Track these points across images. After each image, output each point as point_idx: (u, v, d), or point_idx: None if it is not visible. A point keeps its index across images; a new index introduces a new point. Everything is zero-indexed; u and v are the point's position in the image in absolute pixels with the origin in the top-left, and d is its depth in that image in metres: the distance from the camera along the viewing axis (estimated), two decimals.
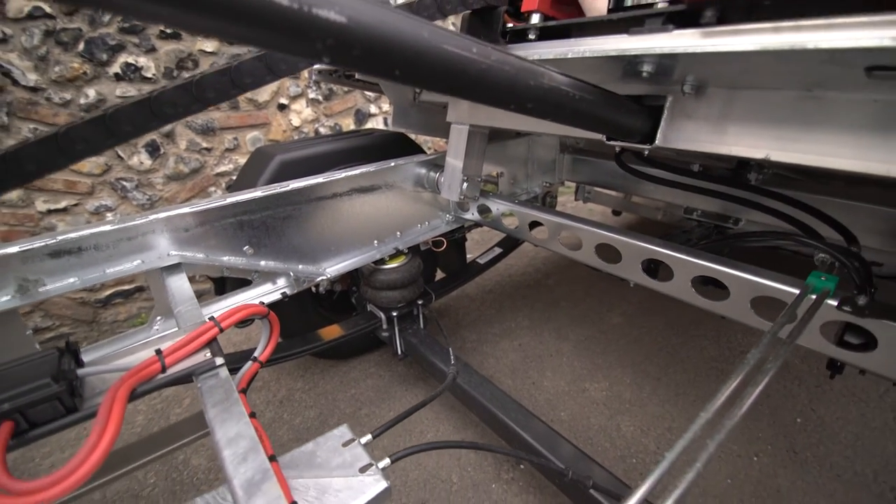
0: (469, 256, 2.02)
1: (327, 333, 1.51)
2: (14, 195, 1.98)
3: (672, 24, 0.64)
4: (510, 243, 1.96)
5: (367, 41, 0.43)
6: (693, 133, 0.83)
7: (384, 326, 1.57)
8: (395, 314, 1.53)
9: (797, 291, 0.80)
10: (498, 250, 1.94)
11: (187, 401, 1.75)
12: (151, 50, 2.12)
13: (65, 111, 1.99)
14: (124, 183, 2.19)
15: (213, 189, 2.49)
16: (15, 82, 1.88)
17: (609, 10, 0.73)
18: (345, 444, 0.69)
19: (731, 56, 0.62)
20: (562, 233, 1.28)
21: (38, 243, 0.92)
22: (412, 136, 1.82)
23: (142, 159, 2.22)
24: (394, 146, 1.66)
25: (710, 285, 0.97)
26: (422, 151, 1.67)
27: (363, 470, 0.64)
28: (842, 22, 0.53)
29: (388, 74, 0.48)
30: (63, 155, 0.70)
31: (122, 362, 0.72)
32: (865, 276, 0.84)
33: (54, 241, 0.94)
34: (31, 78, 1.89)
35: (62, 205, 2.09)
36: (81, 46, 1.95)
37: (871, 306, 0.76)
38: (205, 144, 2.38)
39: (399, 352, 1.56)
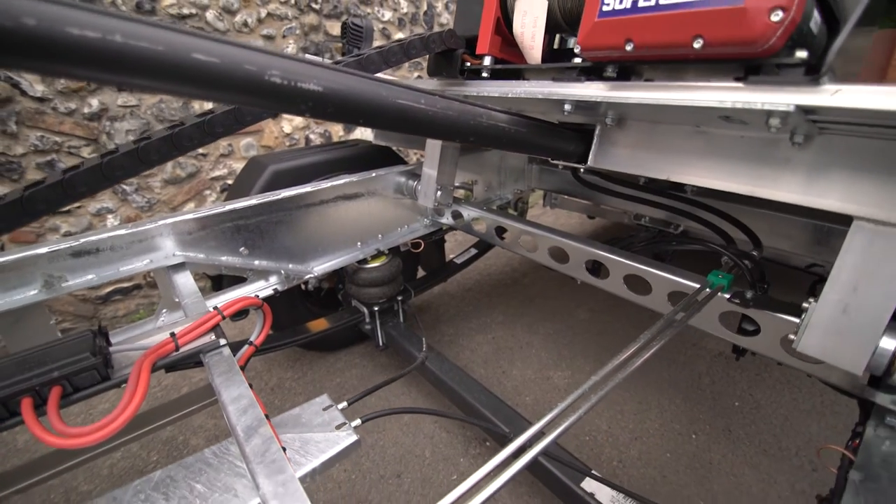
0: (450, 256, 2.19)
1: (315, 326, 1.67)
2: None
3: (584, 77, 0.81)
4: (484, 245, 2.13)
5: (338, 102, 0.60)
6: (616, 157, 1.00)
7: (367, 320, 1.73)
8: (376, 309, 1.70)
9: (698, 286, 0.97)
10: (474, 251, 2.11)
11: (185, 388, 1.90)
12: None
13: (70, 120, 2.13)
14: (124, 187, 2.33)
15: (208, 192, 2.63)
16: (23, 93, 2.01)
17: (542, 61, 0.90)
18: (325, 409, 0.85)
19: (624, 105, 0.79)
20: (521, 237, 1.45)
21: (63, 245, 1.07)
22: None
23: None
24: (377, 157, 1.82)
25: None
26: (403, 162, 1.84)
27: (339, 427, 0.80)
28: (700, 85, 0.71)
29: (355, 123, 0.65)
30: (106, 179, 0.85)
31: (142, 342, 0.88)
32: (758, 274, 1.02)
33: (77, 243, 1.09)
34: (38, 89, 2.03)
35: (65, 207, 2.22)
36: None
37: (756, 299, 0.94)
38: (201, 150, 2.52)
39: (380, 343, 1.72)
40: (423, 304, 2.44)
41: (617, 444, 1.55)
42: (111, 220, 2.33)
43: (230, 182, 2.71)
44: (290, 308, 1.80)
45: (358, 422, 0.84)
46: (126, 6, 2.14)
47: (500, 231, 1.59)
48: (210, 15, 2.37)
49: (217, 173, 2.63)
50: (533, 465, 1.19)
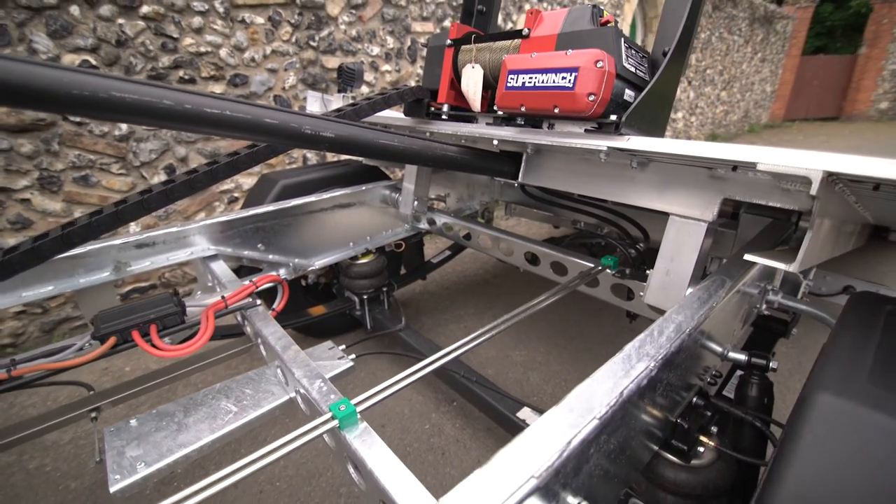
0: (429, 257, 2.58)
1: (315, 311, 2.04)
2: (58, 206, 2.46)
3: (504, 123, 1.22)
4: (456, 247, 2.52)
5: (344, 143, 1.00)
6: (538, 175, 1.41)
7: (357, 307, 2.11)
8: (365, 297, 2.07)
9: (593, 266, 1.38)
10: (448, 252, 2.51)
11: None
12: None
13: (103, 141, 2.50)
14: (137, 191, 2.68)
15: (217, 203, 3.00)
16: (65, 118, 2.38)
17: (481, 110, 1.32)
18: (329, 349, 1.22)
19: (527, 144, 1.20)
20: (480, 237, 1.85)
21: (131, 238, 1.44)
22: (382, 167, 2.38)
23: (161, 179, 2.72)
24: (367, 174, 2.22)
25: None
26: (387, 178, 2.24)
27: (339, 358, 1.18)
28: (566, 132, 1.13)
29: (354, 155, 1.05)
30: (166, 199, 1.22)
31: (204, 301, 1.23)
32: (639, 258, 1.43)
33: (141, 237, 1.46)
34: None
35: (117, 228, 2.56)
36: None
37: (632, 274, 1.35)
38: None
39: (368, 326, 2.09)
40: (407, 300, 2.82)
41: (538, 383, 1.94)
42: (133, 227, 2.67)
43: (236, 195, 3.09)
44: (293, 303, 2.16)
45: (353, 356, 1.22)
46: (153, 46, 2.53)
47: (467, 235, 1.99)
48: (223, 52, 2.77)
49: (225, 187, 3.00)
50: (478, 399, 1.55)
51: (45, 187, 2.39)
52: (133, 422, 0.98)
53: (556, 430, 0.59)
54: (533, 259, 1.68)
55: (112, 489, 0.84)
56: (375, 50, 3.51)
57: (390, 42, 3.58)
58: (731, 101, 10.83)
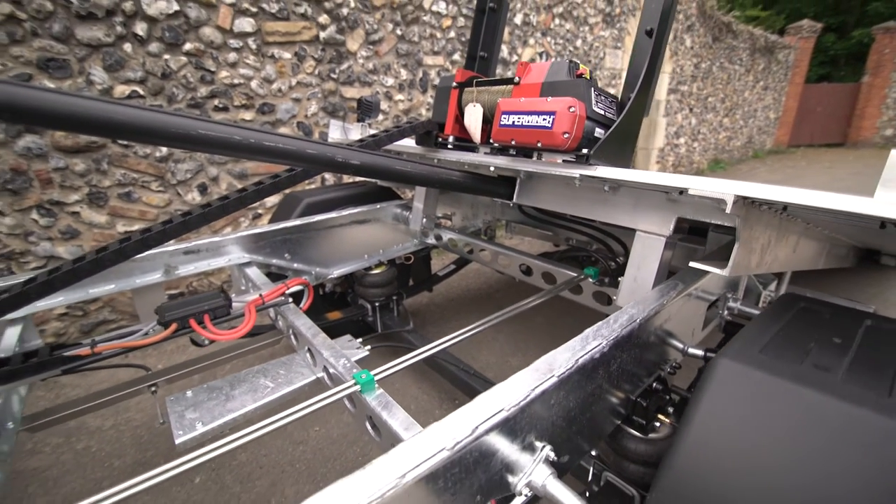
0: (435, 270, 2.80)
1: (332, 316, 2.26)
2: (103, 219, 2.73)
3: (499, 153, 1.46)
4: (461, 261, 2.75)
5: (367, 169, 1.24)
6: (529, 196, 1.63)
7: (370, 314, 2.32)
8: (377, 304, 2.29)
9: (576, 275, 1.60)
10: (453, 266, 2.73)
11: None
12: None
13: (145, 161, 2.78)
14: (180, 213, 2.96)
15: (242, 219, 3.27)
16: (114, 140, 2.67)
17: (481, 141, 1.56)
18: (349, 342, 1.44)
19: (519, 170, 1.43)
20: (481, 251, 2.07)
21: (180, 246, 1.68)
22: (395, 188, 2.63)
23: (194, 196, 3.00)
24: (381, 194, 2.47)
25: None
26: (399, 198, 2.49)
27: (357, 348, 1.39)
28: (548, 161, 1.36)
29: (376, 178, 1.29)
30: (210, 218, 1.46)
31: (246, 298, 1.46)
32: (618, 269, 1.64)
33: (189, 245, 1.70)
34: None
35: (135, 228, 2.84)
36: None
37: (610, 283, 1.56)
38: (238, 185, 3.18)
39: (379, 330, 2.30)
40: (414, 311, 3.03)
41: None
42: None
43: (260, 211, 3.36)
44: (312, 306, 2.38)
45: (368, 347, 1.43)
46: (193, 78, 2.84)
47: (470, 249, 2.22)
48: (254, 83, 3.08)
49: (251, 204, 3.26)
50: (459, 381, 1.74)
51: (93, 202, 2.67)
52: (189, 393, 1.21)
53: (523, 382, 0.80)
54: (527, 271, 1.90)
55: (177, 441, 1.06)
56: (390, 81, 3.82)
57: (403, 74, 3.90)
58: (733, 128, 11.09)
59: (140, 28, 2.59)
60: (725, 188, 0.94)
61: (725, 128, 10.66)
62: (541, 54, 5.18)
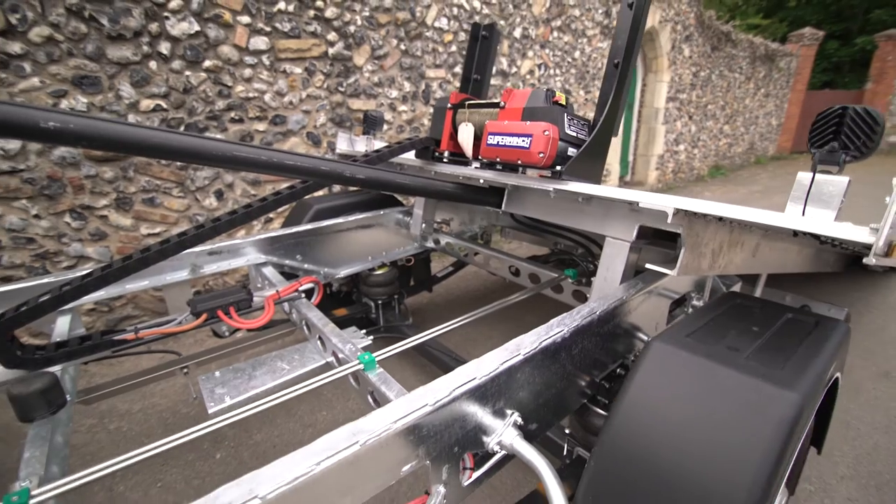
0: (435, 271, 2.99)
1: (339, 313, 2.46)
2: (128, 222, 2.96)
3: (488, 167, 1.66)
4: (459, 264, 2.94)
5: (371, 181, 1.44)
6: (516, 205, 1.83)
7: (373, 311, 2.52)
8: (380, 302, 2.49)
9: (556, 275, 1.79)
10: (451, 268, 2.92)
11: None
12: (224, 129, 3.18)
13: (167, 169, 3.01)
14: (198, 217, 3.18)
15: (256, 224, 3.48)
16: None
17: (472, 156, 1.76)
18: (354, 332, 1.64)
19: (505, 183, 1.63)
20: (475, 254, 2.27)
21: (206, 247, 1.89)
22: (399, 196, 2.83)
23: (211, 201, 3.22)
24: (384, 200, 2.67)
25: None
26: (401, 204, 2.69)
27: (361, 337, 1.59)
28: (531, 177, 1.55)
29: (380, 190, 1.49)
30: (237, 223, 1.67)
31: (264, 294, 1.66)
32: (594, 270, 1.83)
33: (213, 246, 1.90)
34: None
35: (157, 230, 3.06)
36: (182, 128, 3.00)
37: (587, 283, 1.75)
38: (252, 192, 3.40)
39: (381, 325, 2.50)
40: (415, 310, 3.23)
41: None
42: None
43: (271, 216, 3.57)
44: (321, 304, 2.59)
45: (371, 337, 1.63)
46: (211, 92, 3.07)
47: (466, 253, 2.41)
48: (267, 97, 3.30)
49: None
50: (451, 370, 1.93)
51: (119, 206, 2.89)
52: (217, 373, 1.41)
53: (494, 358, 0.99)
54: (516, 272, 2.09)
55: (210, 411, 1.26)
56: (394, 93, 4.04)
57: (407, 86, 4.11)
58: (734, 135, 11.23)
59: (164, 47, 2.82)
60: (667, 202, 1.13)
61: (726, 134, 10.80)
62: (539, 66, 5.38)
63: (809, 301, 2.68)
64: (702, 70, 8.87)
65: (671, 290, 1.56)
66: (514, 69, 5.08)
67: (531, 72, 5.33)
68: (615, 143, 7.11)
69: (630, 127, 8.18)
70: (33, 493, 0.81)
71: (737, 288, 1.87)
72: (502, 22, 4.81)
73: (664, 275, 1.46)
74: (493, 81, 4.85)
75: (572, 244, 2.44)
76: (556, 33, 5.53)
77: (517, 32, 5.03)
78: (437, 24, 4.20)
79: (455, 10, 4.31)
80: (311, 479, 0.70)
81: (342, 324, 2.76)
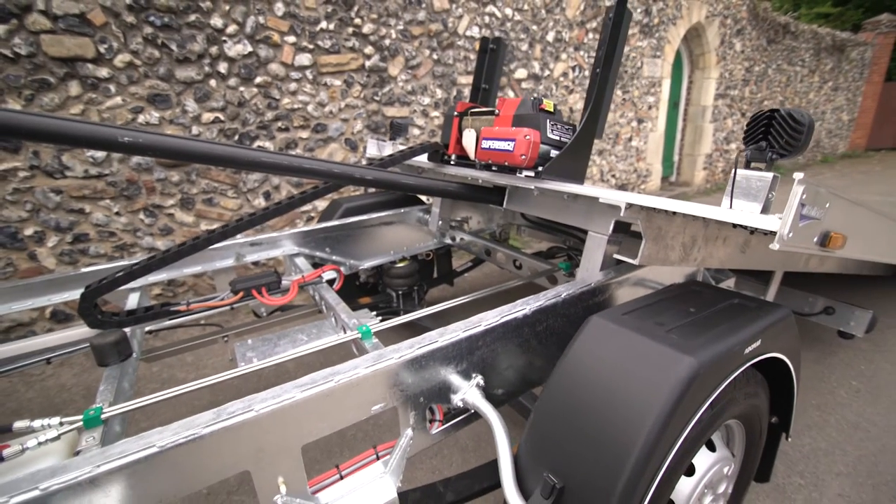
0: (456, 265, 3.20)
1: (364, 301, 2.73)
2: (190, 220, 3.40)
3: (484, 169, 1.84)
4: (477, 260, 3.13)
5: (381, 182, 1.68)
6: (520, 203, 2.00)
7: (395, 300, 2.77)
8: (401, 293, 2.73)
9: (550, 267, 1.94)
10: (469, 264, 3.11)
11: None
12: (273, 138, 3.56)
13: (223, 173, 3.43)
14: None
15: (298, 220, 3.85)
16: None
17: (475, 160, 1.96)
18: (367, 313, 1.88)
19: (504, 183, 1.81)
20: (485, 250, 2.45)
21: (249, 238, 2.21)
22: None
23: (260, 201, 3.62)
24: (406, 199, 2.92)
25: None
26: (421, 203, 2.92)
27: (370, 318, 1.83)
28: (522, 177, 1.73)
29: (385, 188, 1.73)
30: (269, 216, 1.96)
31: (292, 278, 1.95)
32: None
33: (255, 238, 2.22)
34: None
35: (214, 227, 3.48)
36: (236, 138, 3.41)
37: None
38: (295, 192, 3.76)
39: (401, 313, 2.74)
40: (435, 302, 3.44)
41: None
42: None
43: (312, 214, 3.93)
44: (351, 293, 2.87)
45: (379, 317, 1.86)
46: (261, 105, 3.46)
47: (478, 248, 2.60)
48: (310, 107, 3.66)
49: (305, 208, 3.85)
50: None
51: (184, 206, 3.34)
52: (249, 341, 1.69)
53: (457, 327, 1.19)
54: (519, 266, 2.25)
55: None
56: (427, 100, 4.29)
57: (439, 93, 4.36)
58: None
59: (222, 67, 3.24)
60: (620, 198, 1.28)
61: None
62: (573, 68, 5.45)
63: (835, 303, 2.63)
64: (756, 64, 8.45)
65: (656, 281, 1.67)
66: (546, 72, 5.19)
67: (564, 74, 5.40)
68: (657, 143, 6.99)
69: (675, 126, 7.96)
70: (105, 410, 1.10)
71: (730, 283, 1.93)
72: (535, 27, 4.94)
73: (637, 267, 1.59)
74: (525, 85, 4.99)
75: (576, 240, 2.56)
76: (591, 35, 5.56)
77: (550, 36, 5.13)
78: (468, 33, 4.41)
79: (486, 19, 4.50)
80: (294, 403, 0.94)
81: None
